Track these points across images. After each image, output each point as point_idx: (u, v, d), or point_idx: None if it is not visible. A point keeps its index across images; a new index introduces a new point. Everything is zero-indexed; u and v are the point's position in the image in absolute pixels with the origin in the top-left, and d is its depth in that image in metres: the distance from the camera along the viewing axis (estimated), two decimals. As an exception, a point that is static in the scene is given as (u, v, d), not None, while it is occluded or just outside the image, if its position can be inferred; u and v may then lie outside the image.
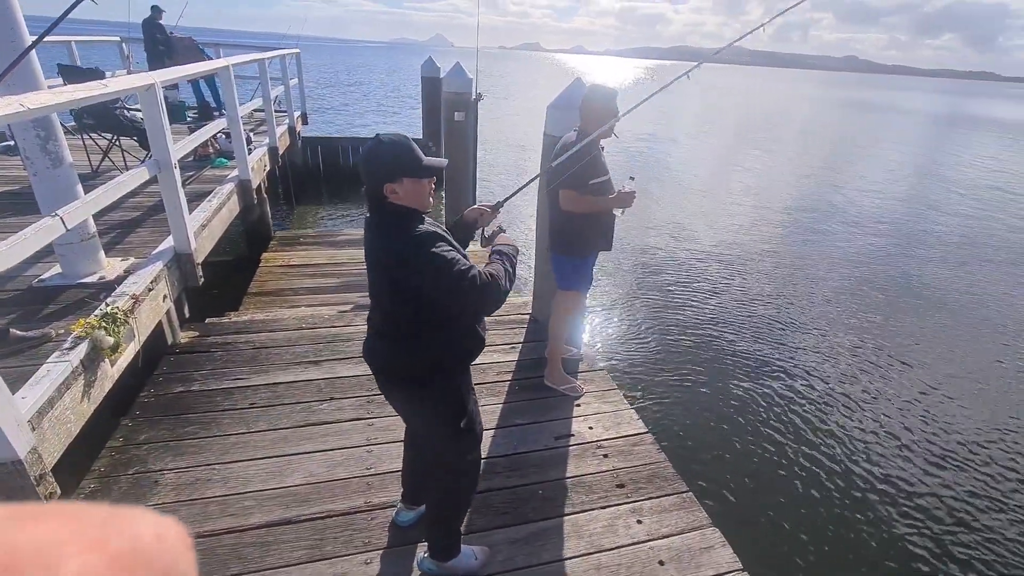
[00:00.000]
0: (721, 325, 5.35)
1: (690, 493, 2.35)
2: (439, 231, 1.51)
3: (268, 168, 6.30)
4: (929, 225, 9.69)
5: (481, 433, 1.79)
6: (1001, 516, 3.19)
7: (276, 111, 7.92)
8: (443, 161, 1.60)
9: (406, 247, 1.44)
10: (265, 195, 6.06)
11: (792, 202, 10.62)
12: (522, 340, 3.51)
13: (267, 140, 6.35)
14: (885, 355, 4.93)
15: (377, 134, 1.50)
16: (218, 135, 5.85)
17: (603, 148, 2.64)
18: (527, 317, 3.77)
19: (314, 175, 9.56)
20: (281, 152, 7.09)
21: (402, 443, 2.47)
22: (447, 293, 1.45)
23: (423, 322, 1.54)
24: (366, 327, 1.68)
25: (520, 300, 4.05)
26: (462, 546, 1.88)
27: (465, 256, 1.51)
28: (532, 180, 2.26)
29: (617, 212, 2.63)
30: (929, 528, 3.07)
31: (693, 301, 5.88)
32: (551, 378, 3.01)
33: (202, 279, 3.43)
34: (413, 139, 1.52)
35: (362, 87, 31.64)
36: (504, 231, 1.82)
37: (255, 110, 6.85)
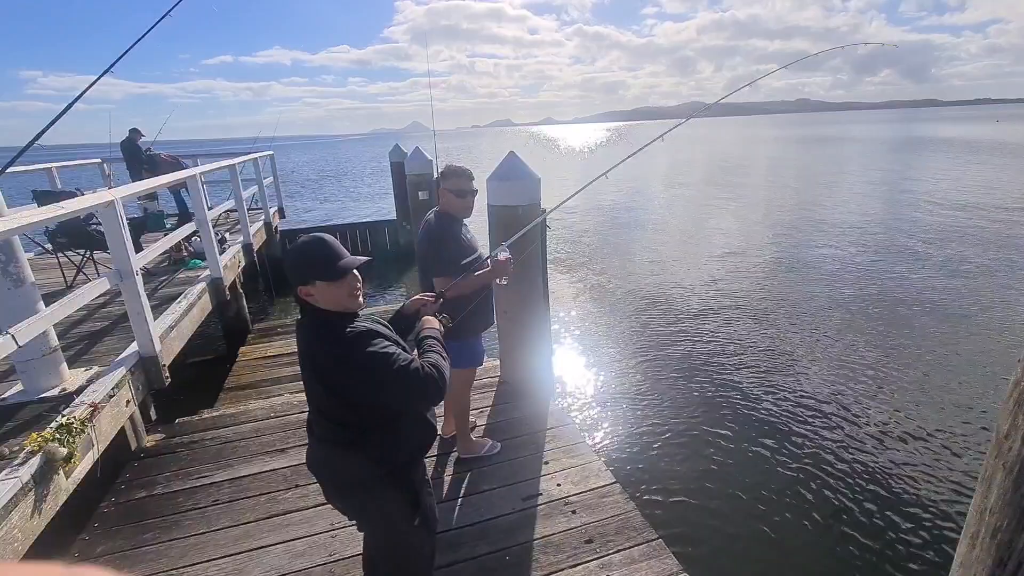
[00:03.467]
0: (687, 371, 5.34)
1: (660, 540, 2.30)
2: (373, 327, 1.44)
3: (244, 264, 6.49)
4: (900, 240, 10.01)
5: (436, 525, 1.70)
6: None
7: (251, 209, 8.28)
8: (359, 259, 1.47)
9: (338, 349, 1.37)
10: (241, 290, 6.20)
11: (764, 240, 10.95)
12: (491, 403, 3.52)
13: (241, 238, 6.59)
14: (860, 388, 4.93)
15: (298, 237, 1.48)
16: (192, 238, 6.08)
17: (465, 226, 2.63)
18: (496, 379, 3.79)
19: (294, 265, 9.78)
20: (257, 248, 7.33)
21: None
22: (390, 392, 1.38)
23: (368, 424, 1.46)
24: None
25: (490, 364, 4.09)
26: None
27: (405, 348, 1.48)
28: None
29: (499, 281, 2.56)
30: (913, 568, 2.97)
31: (658, 348, 5.93)
32: (464, 450, 2.90)
33: (169, 380, 3.46)
34: (325, 240, 1.43)
35: (341, 177, 33.07)
36: (450, 323, 1.79)
37: (229, 210, 7.15)
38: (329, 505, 2.54)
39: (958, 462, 3.76)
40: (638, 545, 2.27)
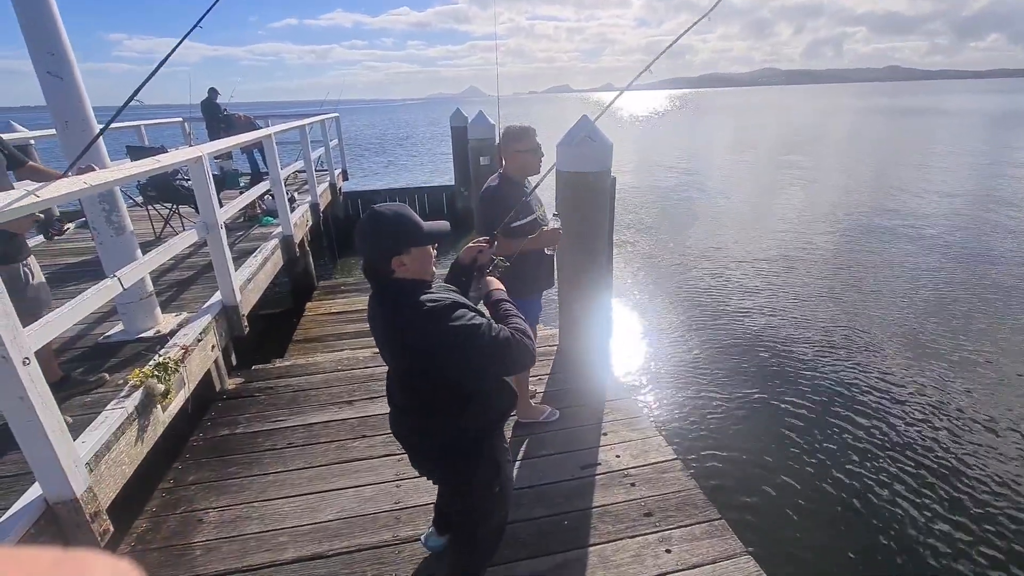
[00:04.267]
0: (753, 346, 5.16)
1: (722, 521, 2.25)
2: (451, 297, 1.42)
3: (311, 223, 6.74)
4: (993, 225, 9.06)
5: (512, 493, 1.73)
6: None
7: (317, 170, 8.54)
8: (445, 225, 1.47)
9: (425, 322, 1.34)
10: (308, 248, 6.47)
11: (837, 217, 10.21)
12: (549, 371, 3.53)
13: (309, 198, 6.82)
14: (943, 374, 4.58)
15: (372, 207, 1.42)
16: (265, 196, 6.37)
17: (529, 186, 2.58)
18: (555, 348, 3.79)
19: (356, 227, 10.09)
20: (323, 207, 7.59)
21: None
22: (484, 365, 1.38)
23: (449, 393, 1.45)
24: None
25: (548, 332, 4.09)
26: None
27: (482, 314, 1.44)
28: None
29: (547, 251, 2.57)
30: (982, 559, 2.78)
31: (721, 323, 5.72)
32: (523, 414, 2.93)
33: (248, 329, 3.69)
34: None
35: (401, 141, 33.48)
36: (506, 263, 1.82)
37: (297, 171, 7.40)
38: (394, 456, 2.70)
39: None
40: (699, 523, 2.24)
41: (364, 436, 2.89)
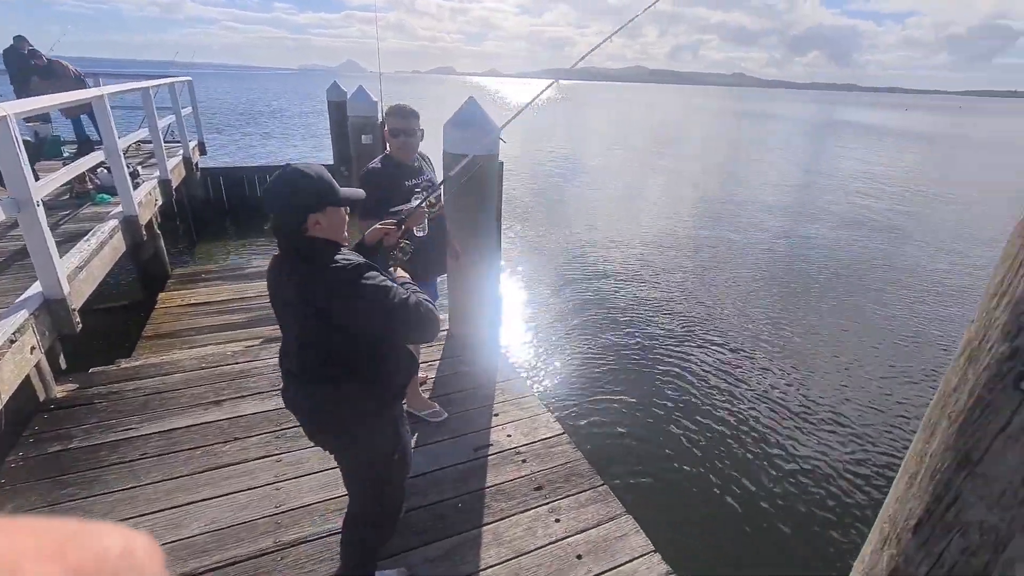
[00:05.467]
0: (631, 322, 5.64)
1: (605, 486, 2.44)
2: (364, 260, 1.43)
3: (161, 202, 5.89)
4: (822, 212, 10.82)
5: (411, 463, 1.73)
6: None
7: (167, 142, 7.46)
8: (360, 192, 1.52)
9: (337, 279, 1.34)
10: (158, 231, 5.64)
11: (697, 203, 11.45)
12: (440, 356, 3.50)
13: (157, 173, 5.94)
14: (787, 343, 5.41)
15: (288, 163, 1.40)
16: (99, 170, 5.41)
17: (419, 167, 2.52)
18: (444, 333, 3.77)
19: (217, 207, 9.02)
20: (176, 185, 6.65)
21: (315, 474, 2.40)
22: (396, 321, 1.38)
23: (355, 357, 1.44)
24: (278, 366, 1.57)
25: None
26: (377, 573, 1.83)
27: (393, 280, 1.46)
28: (432, 192, 2.29)
29: (416, 231, 2.41)
30: (829, 502, 3.35)
31: (601, 303, 6.15)
32: (411, 404, 2.86)
33: (80, 326, 3.13)
34: (329, 165, 1.48)
35: (269, 114, 30.47)
36: (411, 248, 1.77)
37: (141, 141, 6.39)
38: (272, 457, 2.51)
39: (894, 421, 4.23)
40: (585, 491, 2.39)
41: (236, 439, 2.63)
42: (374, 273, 1.38)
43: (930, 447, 0.96)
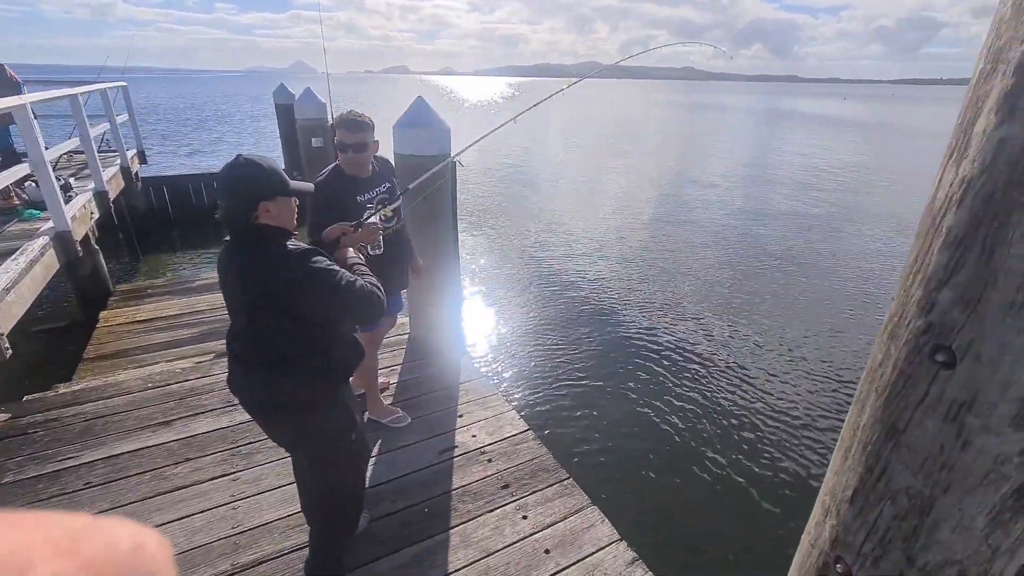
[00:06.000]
0: (587, 314, 5.72)
1: (570, 479, 2.46)
2: (312, 246, 1.50)
3: (97, 216, 5.57)
4: (766, 199, 11.24)
5: (368, 448, 1.79)
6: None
7: (103, 151, 7.07)
8: (309, 185, 1.60)
9: (286, 263, 1.41)
10: (96, 246, 5.33)
11: (653, 196, 11.69)
12: (402, 360, 3.45)
13: (91, 184, 5.61)
14: (739, 328, 5.59)
15: (239, 155, 1.45)
16: (26, 183, 5.07)
17: (375, 177, 2.37)
18: (406, 336, 3.72)
19: (162, 218, 8.61)
20: (113, 196, 6.30)
21: (274, 490, 2.33)
22: (340, 304, 1.45)
23: (305, 341, 1.48)
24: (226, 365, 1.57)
25: (399, 320, 3.98)
26: None
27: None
28: (384, 206, 2.25)
29: (370, 251, 2.34)
30: (785, 478, 3.49)
31: (560, 296, 6.22)
32: (373, 412, 2.82)
33: (10, 351, 2.93)
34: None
35: (217, 119, 29.28)
36: (379, 250, 1.85)
37: (73, 152, 6.02)
38: (228, 476, 2.41)
39: (836, 395, 4.42)
40: (551, 485, 2.41)
41: (188, 459, 2.51)
42: (322, 258, 1.44)
43: (861, 420, 1.01)
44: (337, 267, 1.46)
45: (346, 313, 1.50)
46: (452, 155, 2.77)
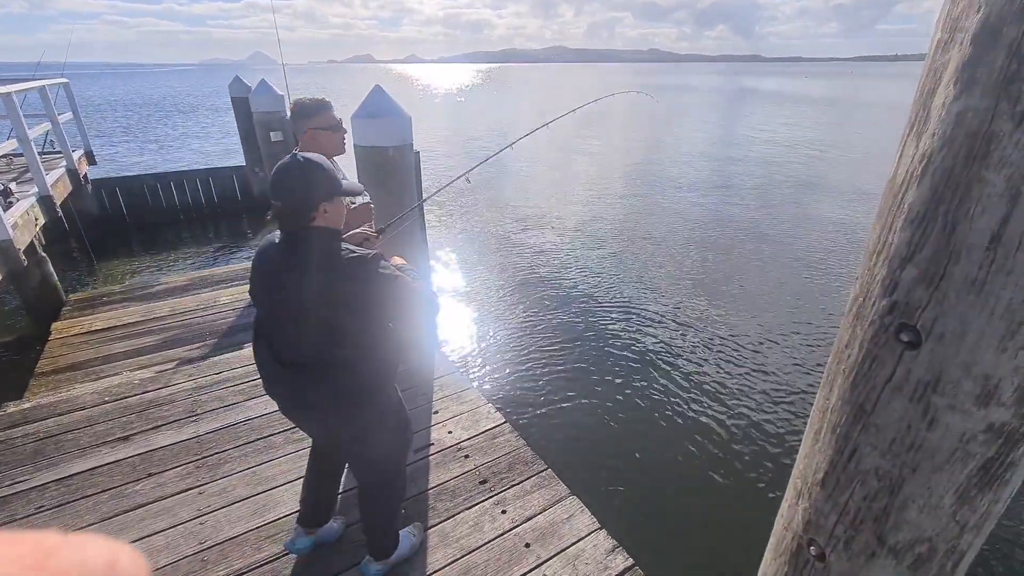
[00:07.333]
0: (560, 302, 5.70)
1: (549, 470, 2.44)
2: (375, 251, 1.51)
3: (43, 222, 5.26)
4: (733, 178, 11.41)
5: (410, 422, 1.87)
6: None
7: (45, 153, 6.69)
8: (359, 185, 1.60)
9: (353, 266, 1.41)
10: (44, 255, 5.04)
11: (623, 183, 11.72)
12: (374, 359, 3.37)
13: (34, 189, 5.29)
14: (709, 311, 5.66)
15: (294, 153, 1.43)
16: (-41, 191, 4.74)
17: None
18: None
19: (116, 222, 8.22)
20: (60, 201, 5.97)
21: (243, 501, 2.24)
22: (408, 307, 1.48)
23: (367, 339, 1.49)
24: (259, 365, 1.54)
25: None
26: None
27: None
28: (415, 206, 2.18)
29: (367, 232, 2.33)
30: (764, 462, 3.53)
31: (532, 286, 6.18)
32: None
33: (-51, 371, 2.74)
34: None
35: (176, 114, 28.09)
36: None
37: (11, 155, 5.67)
38: (194, 490, 2.32)
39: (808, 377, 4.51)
40: (529, 478, 2.39)
41: (150, 475, 2.40)
42: (385, 262, 1.47)
43: (830, 402, 1.00)
44: (399, 271, 1.49)
45: (412, 314, 1.53)
46: (463, 172, 2.65)
